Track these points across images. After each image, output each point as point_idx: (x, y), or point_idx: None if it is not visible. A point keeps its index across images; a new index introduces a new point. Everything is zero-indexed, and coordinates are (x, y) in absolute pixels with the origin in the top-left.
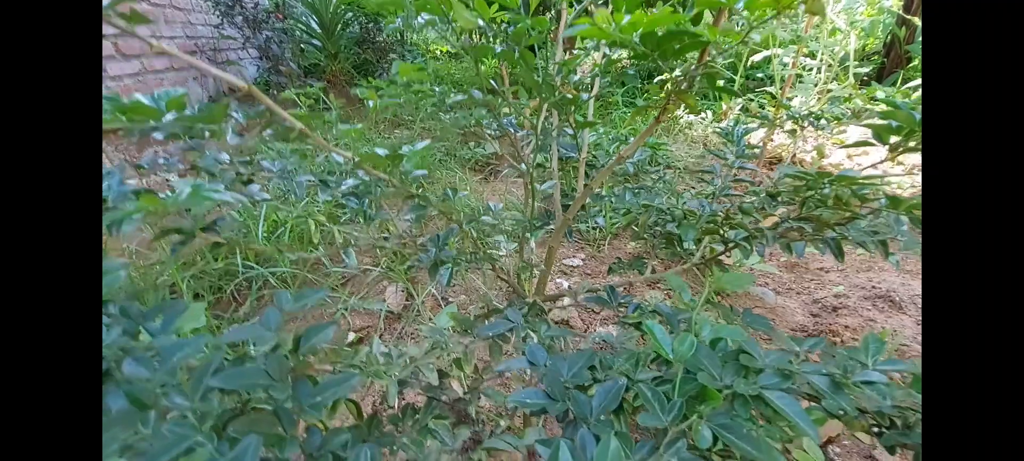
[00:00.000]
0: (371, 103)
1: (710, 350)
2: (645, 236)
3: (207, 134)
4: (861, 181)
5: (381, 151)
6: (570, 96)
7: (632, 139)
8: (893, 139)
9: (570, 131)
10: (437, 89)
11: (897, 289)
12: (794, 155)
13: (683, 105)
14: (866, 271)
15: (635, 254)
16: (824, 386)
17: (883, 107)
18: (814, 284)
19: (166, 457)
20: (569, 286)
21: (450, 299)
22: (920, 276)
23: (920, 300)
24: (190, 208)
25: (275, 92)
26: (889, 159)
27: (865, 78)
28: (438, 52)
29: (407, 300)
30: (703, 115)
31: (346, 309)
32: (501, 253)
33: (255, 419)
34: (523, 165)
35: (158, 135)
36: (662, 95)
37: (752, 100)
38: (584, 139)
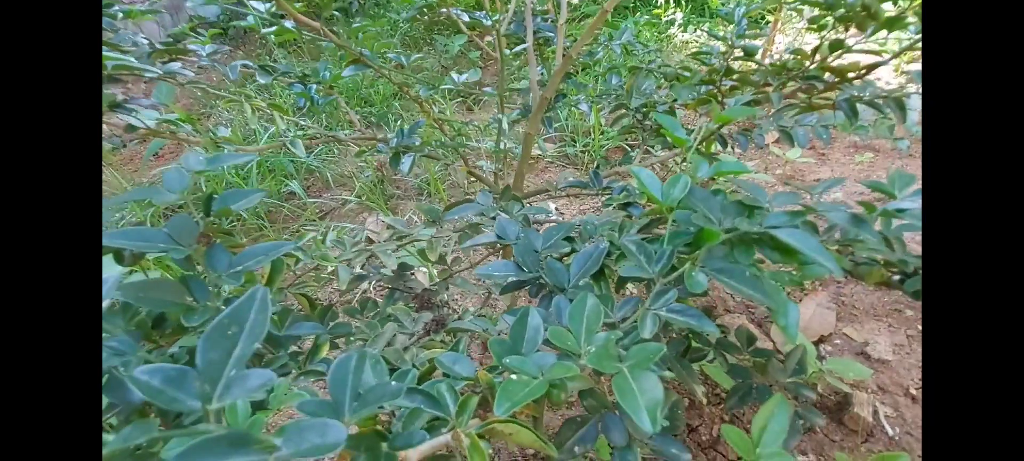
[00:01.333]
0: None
1: (706, 193)
2: (631, 116)
3: (120, 16)
4: None
5: None
6: None
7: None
8: None
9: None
10: None
11: None
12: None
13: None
14: (864, 177)
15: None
16: (844, 221)
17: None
18: None
19: None
20: (555, 209)
21: None
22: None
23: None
24: None
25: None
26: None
27: None
28: None
29: (387, 228)
30: (697, 30)
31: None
32: (485, 173)
33: (152, 283)
34: (489, 21)
35: None
36: None
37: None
38: (562, 2)
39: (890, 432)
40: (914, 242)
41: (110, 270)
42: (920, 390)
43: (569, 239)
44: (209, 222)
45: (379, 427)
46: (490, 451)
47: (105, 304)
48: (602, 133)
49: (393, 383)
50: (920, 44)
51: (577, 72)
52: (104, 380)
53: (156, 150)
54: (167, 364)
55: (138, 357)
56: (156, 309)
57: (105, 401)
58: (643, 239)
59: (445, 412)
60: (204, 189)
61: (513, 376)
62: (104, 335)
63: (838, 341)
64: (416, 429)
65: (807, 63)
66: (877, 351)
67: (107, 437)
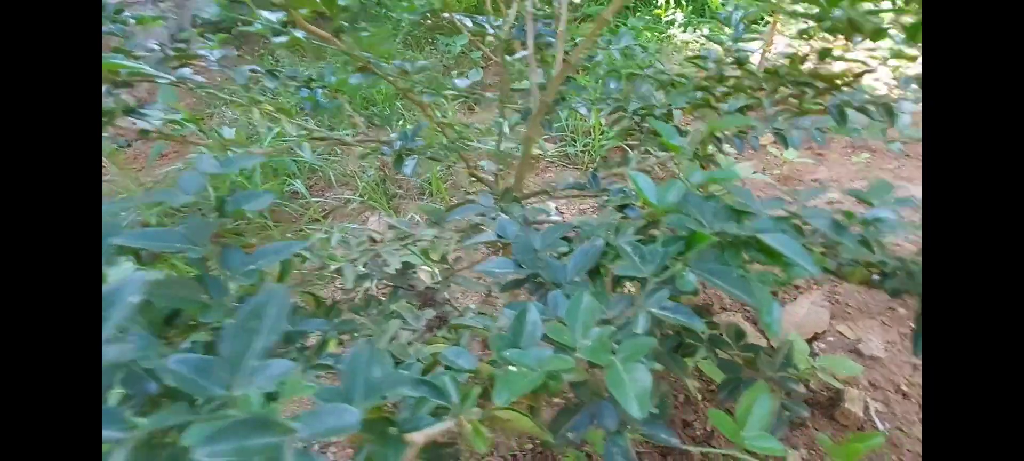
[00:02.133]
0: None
1: (699, 198)
2: (628, 118)
3: (132, 21)
4: None
5: None
6: None
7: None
8: None
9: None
10: None
11: None
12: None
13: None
14: (861, 180)
15: (622, 157)
16: (825, 226)
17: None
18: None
19: None
20: (555, 209)
21: None
22: (919, 182)
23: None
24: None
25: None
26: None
27: None
28: None
29: (390, 228)
30: (697, 31)
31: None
32: (486, 175)
33: (172, 282)
34: (490, 27)
35: None
36: None
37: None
38: (562, 4)
39: (880, 427)
40: (898, 244)
41: (127, 270)
42: (910, 387)
43: (567, 239)
44: (222, 223)
45: (386, 415)
46: (491, 437)
47: (134, 301)
48: (602, 133)
49: (401, 372)
50: (905, 52)
51: (578, 74)
52: (124, 373)
53: (161, 150)
54: (195, 355)
55: (158, 351)
56: (175, 306)
57: (122, 392)
58: (639, 240)
59: (448, 401)
60: (210, 189)
61: (512, 368)
62: (128, 331)
63: (831, 338)
64: (422, 415)
65: (800, 67)
66: (869, 348)
67: (141, 420)
